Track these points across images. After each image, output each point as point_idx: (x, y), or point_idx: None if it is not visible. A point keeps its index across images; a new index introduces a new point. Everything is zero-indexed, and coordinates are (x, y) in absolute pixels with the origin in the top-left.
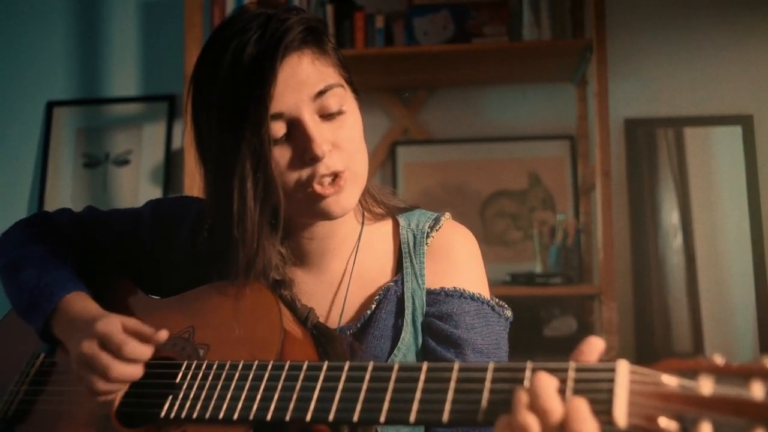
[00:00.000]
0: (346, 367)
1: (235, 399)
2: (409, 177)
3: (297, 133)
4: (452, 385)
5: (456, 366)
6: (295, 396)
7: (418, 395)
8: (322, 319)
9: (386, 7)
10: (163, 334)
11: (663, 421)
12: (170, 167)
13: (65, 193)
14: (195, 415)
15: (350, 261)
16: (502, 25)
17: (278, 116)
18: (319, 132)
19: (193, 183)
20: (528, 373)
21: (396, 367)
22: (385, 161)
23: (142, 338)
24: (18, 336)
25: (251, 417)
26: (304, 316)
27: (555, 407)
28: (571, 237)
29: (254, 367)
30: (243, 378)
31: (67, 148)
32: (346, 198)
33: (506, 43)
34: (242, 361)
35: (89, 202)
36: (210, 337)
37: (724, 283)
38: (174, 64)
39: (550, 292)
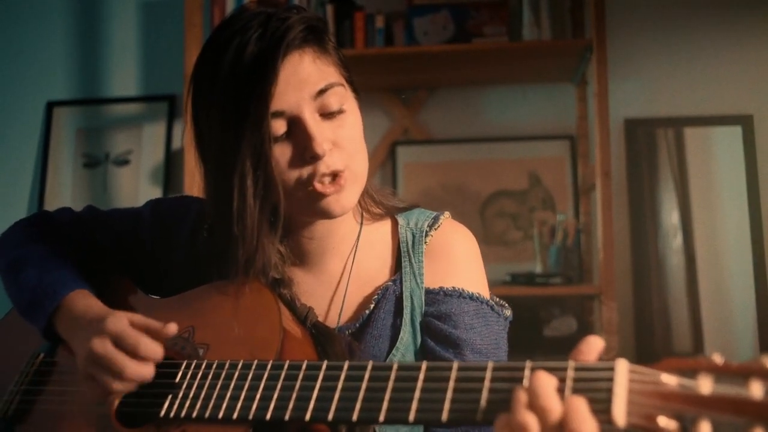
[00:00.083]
0: (346, 367)
1: (234, 398)
2: (409, 177)
3: (297, 132)
4: (451, 384)
5: (455, 365)
6: (294, 395)
7: (417, 395)
8: (320, 319)
9: (386, 7)
10: (172, 328)
11: (662, 421)
12: (170, 167)
13: (65, 193)
14: (194, 415)
15: (349, 260)
16: (502, 25)
17: (279, 114)
18: (319, 130)
19: (193, 183)
20: (527, 373)
21: (395, 366)
22: (385, 161)
23: (151, 333)
24: (18, 336)
25: (251, 416)
26: (303, 316)
27: (554, 406)
28: (571, 237)
29: (254, 367)
30: (242, 377)
31: (67, 148)
32: (346, 197)
33: (506, 43)
34: (242, 361)
35: (89, 202)
36: (210, 337)
37: (724, 283)
38: (174, 64)
39: (550, 292)
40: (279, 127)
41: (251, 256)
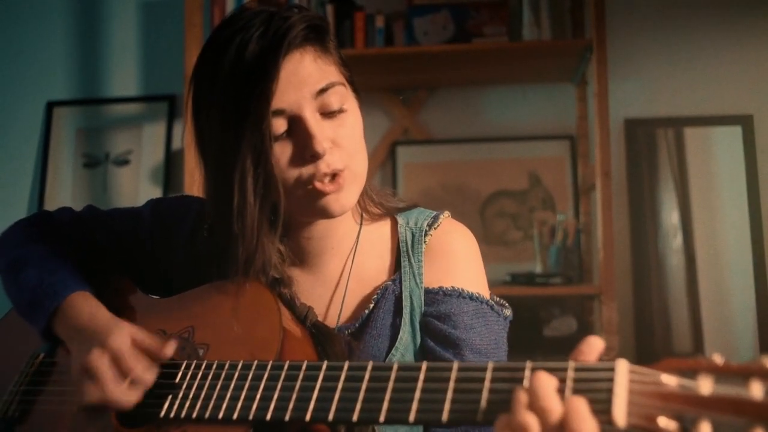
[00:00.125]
0: (346, 367)
1: (234, 399)
2: (409, 177)
3: (298, 130)
4: (451, 384)
5: (455, 366)
6: (294, 396)
7: (417, 395)
8: (320, 319)
9: (386, 7)
10: (170, 349)
11: (662, 421)
12: (170, 167)
13: (65, 193)
14: (195, 415)
15: (348, 261)
16: (502, 25)
17: (279, 113)
18: (320, 129)
19: (193, 183)
20: (527, 373)
21: (395, 366)
22: (385, 161)
23: (150, 354)
24: (18, 336)
25: (251, 417)
26: (303, 315)
27: (554, 407)
28: (571, 237)
29: (254, 367)
30: (242, 378)
31: (67, 148)
32: (345, 197)
33: (506, 43)
34: (242, 361)
35: (89, 202)
36: (210, 337)
37: (724, 283)
38: (174, 64)
39: (550, 292)
40: (279, 125)
41: (251, 254)
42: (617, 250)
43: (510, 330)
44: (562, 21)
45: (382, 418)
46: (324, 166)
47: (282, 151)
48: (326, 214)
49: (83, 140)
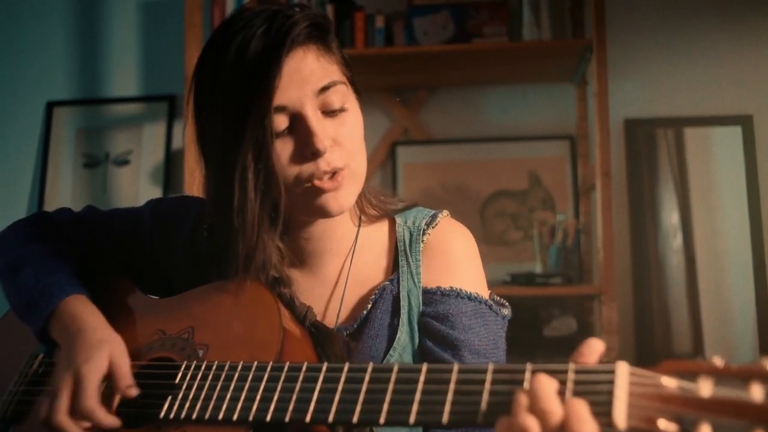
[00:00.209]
0: (346, 368)
1: (234, 400)
2: (409, 177)
3: (299, 128)
4: (452, 386)
5: (455, 367)
6: (294, 397)
7: (417, 396)
8: (319, 319)
9: (386, 7)
10: (132, 392)
11: (662, 423)
12: (170, 167)
13: (65, 193)
14: (194, 416)
15: (347, 261)
16: (502, 25)
17: (281, 109)
18: (321, 127)
19: (193, 183)
20: (527, 375)
21: (395, 368)
22: (385, 161)
23: (115, 387)
24: (17, 336)
25: (251, 418)
26: (302, 315)
27: (555, 409)
28: (571, 237)
29: (254, 368)
30: (242, 378)
31: (67, 148)
32: (344, 196)
33: (506, 43)
34: (242, 362)
35: (89, 202)
36: (209, 338)
37: (723, 283)
38: (174, 64)
39: (550, 292)
40: (281, 122)
41: (251, 251)
42: (617, 250)
43: (510, 330)
44: (562, 21)
45: (382, 420)
46: (324, 164)
47: (283, 148)
48: (324, 212)
49: (83, 140)
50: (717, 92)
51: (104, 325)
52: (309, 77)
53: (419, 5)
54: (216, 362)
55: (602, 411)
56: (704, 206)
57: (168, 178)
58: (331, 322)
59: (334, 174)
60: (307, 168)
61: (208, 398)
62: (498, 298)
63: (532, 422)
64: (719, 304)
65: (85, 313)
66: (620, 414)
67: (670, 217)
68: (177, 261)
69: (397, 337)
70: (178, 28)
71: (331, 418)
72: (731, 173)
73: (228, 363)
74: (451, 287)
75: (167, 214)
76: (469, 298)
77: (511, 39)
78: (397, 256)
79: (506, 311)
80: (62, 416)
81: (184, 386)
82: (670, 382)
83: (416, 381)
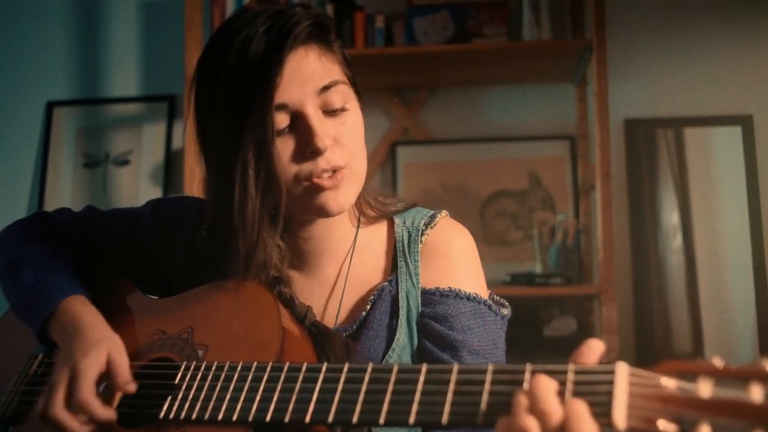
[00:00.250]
0: (346, 369)
1: (234, 400)
2: (409, 177)
3: (300, 126)
4: (451, 387)
5: (455, 368)
6: (294, 397)
7: (417, 397)
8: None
9: (386, 7)
10: (131, 387)
11: (662, 424)
12: (170, 167)
13: (65, 193)
14: (194, 416)
15: (345, 262)
16: (502, 25)
17: (282, 107)
18: (321, 126)
19: (193, 183)
20: (527, 375)
21: (395, 368)
22: (385, 161)
23: (113, 383)
24: (17, 336)
25: (250, 418)
26: (302, 315)
27: (554, 410)
28: (571, 237)
29: (253, 368)
30: (242, 379)
31: (67, 148)
32: (343, 195)
33: (506, 43)
34: (241, 362)
35: (89, 202)
36: (209, 338)
37: (723, 283)
38: (174, 64)
39: (550, 292)
40: (281, 120)
41: (252, 248)
42: (617, 250)
43: (510, 330)
44: (562, 21)
45: (381, 420)
46: (323, 162)
47: (283, 147)
48: (324, 211)
49: (83, 140)
50: (717, 92)
51: (103, 324)
52: (310, 76)
53: (419, 5)
54: (215, 362)
55: (602, 411)
56: (704, 206)
57: (168, 178)
58: (330, 322)
59: (334, 172)
60: (306, 166)
61: (207, 398)
62: (497, 298)
63: (531, 423)
64: (719, 304)
65: (84, 313)
66: (620, 414)
67: (670, 217)
68: (177, 261)
69: (395, 338)
70: (178, 28)
71: (330, 419)
72: (731, 173)
73: (228, 363)
74: (449, 288)
75: (167, 214)
76: (468, 298)
77: (511, 39)
78: (396, 257)
79: (506, 311)
80: (58, 409)
81: (184, 386)
82: (669, 383)
83: (416, 381)
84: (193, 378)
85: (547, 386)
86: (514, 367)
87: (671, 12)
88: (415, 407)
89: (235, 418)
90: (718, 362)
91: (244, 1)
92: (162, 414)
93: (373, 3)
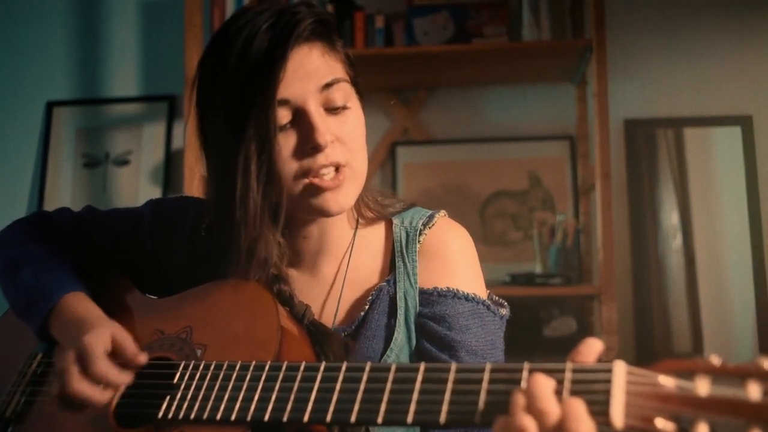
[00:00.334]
0: (344, 368)
1: (232, 399)
2: (408, 177)
3: (301, 122)
4: (449, 386)
5: (453, 367)
6: (292, 397)
7: (415, 396)
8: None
9: (386, 8)
10: (142, 359)
11: (660, 422)
12: (170, 167)
13: (65, 193)
14: (193, 416)
15: (344, 262)
16: (502, 26)
17: (284, 103)
18: (323, 123)
19: (193, 183)
20: (525, 374)
21: (393, 368)
22: (385, 161)
23: (123, 357)
24: (16, 336)
25: (249, 418)
26: (300, 313)
27: (552, 409)
28: (570, 237)
29: (252, 368)
30: (240, 378)
31: (67, 148)
32: (344, 196)
33: (506, 43)
34: (240, 362)
35: (89, 202)
36: (208, 337)
37: (723, 283)
38: (174, 64)
39: (549, 292)
40: (283, 116)
41: (253, 243)
42: (617, 250)
43: (510, 330)
44: (562, 21)
45: (380, 420)
46: (323, 158)
47: (285, 142)
48: (324, 211)
49: (83, 140)
50: (717, 92)
51: (104, 316)
52: (313, 73)
53: (419, 5)
54: (214, 362)
55: (599, 410)
56: (704, 206)
57: (168, 178)
58: (328, 322)
59: (337, 169)
60: (306, 163)
61: (206, 398)
62: (496, 297)
63: (529, 422)
64: (719, 304)
65: (84, 308)
66: (617, 413)
67: (670, 217)
68: (177, 261)
69: (393, 337)
70: (178, 28)
71: (329, 418)
72: (731, 173)
73: (226, 362)
74: (447, 288)
75: (167, 213)
76: (466, 298)
77: (511, 39)
78: (394, 257)
79: (504, 311)
80: (78, 383)
81: (183, 386)
82: (667, 381)
83: (414, 381)
84: (191, 377)
85: (544, 385)
86: (512, 366)
87: (671, 12)
88: (413, 406)
89: (233, 417)
90: (715, 360)
91: (244, 1)
92: (161, 413)
93: (373, 3)
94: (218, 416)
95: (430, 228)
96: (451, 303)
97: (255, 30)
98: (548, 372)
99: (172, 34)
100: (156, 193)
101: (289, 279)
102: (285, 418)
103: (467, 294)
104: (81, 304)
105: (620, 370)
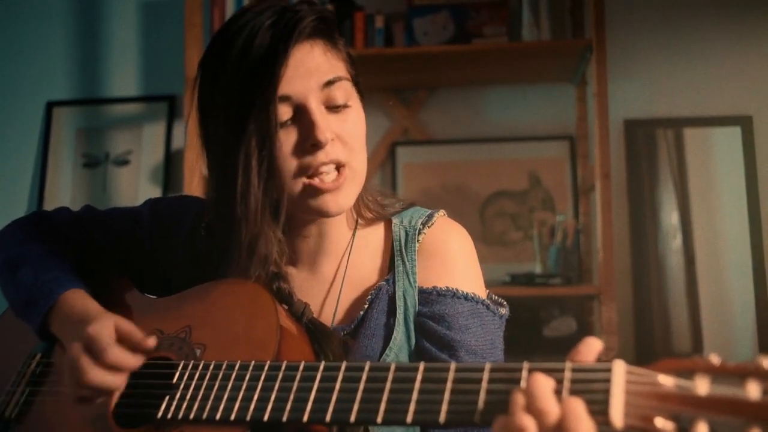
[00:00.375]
0: (343, 368)
1: (232, 399)
2: (408, 177)
3: (302, 119)
4: (449, 385)
5: (452, 366)
6: (292, 396)
7: (414, 396)
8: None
9: (386, 8)
10: (151, 342)
11: (659, 422)
12: (170, 167)
13: (65, 193)
14: (192, 416)
15: (343, 261)
16: (502, 26)
17: (285, 99)
18: (323, 120)
19: (193, 183)
20: (524, 374)
21: (393, 367)
22: (385, 161)
23: (131, 344)
24: (16, 335)
25: (248, 417)
26: (299, 312)
27: (551, 408)
28: (570, 237)
29: (251, 368)
30: (240, 378)
31: (67, 148)
32: (343, 197)
33: (506, 43)
34: (239, 362)
35: (89, 202)
36: (207, 337)
37: (723, 283)
38: (174, 64)
39: (549, 292)
40: (284, 112)
41: (254, 239)
42: (617, 250)
43: (509, 330)
44: (562, 21)
45: (379, 419)
46: (323, 155)
47: (285, 139)
48: (323, 212)
49: (83, 140)
50: (717, 93)
51: (104, 310)
52: (315, 70)
53: (419, 5)
54: (213, 362)
55: (599, 410)
56: (704, 206)
57: (168, 179)
58: (327, 321)
59: (338, 169)
60: (306, 160)
61: (205, 398)
62: (495, 297)
63: (529, 422)
64: (719, 304)
65: (85, 305)
66: (617, 412)
67: (670, 217)
68: (176, 260)
69: (393, 336)
70: (178, 28)
71: (328, 418)
72: (731, 174)
73: (225, 362)
74: (447, 287)
75: (166, 213)
76: (466, 298)
77: (511, 39)
78: (393, 256)
79: (504, 310)
80: (93, 372)
81: (182, 386)
82: (666, 381)
83: (413, 380)
84: (191, 377)
85: (544, 385)
86: (512, 366)
87: (671, 12)
88: (412, 406)
89: (232, 417)
90: (715, 359)
91: (244, 1)
92: (160, 414)
93: (373, 3)
94: (218, 416)
95: (429, 227)
96: (450, 302)
97: (257, 27)
98: (548, 371)
99: (172, 34)
100: (156, 193)
101: (289, 277)
102: (284, 418)
103: (466, 293)
104: (81, 301)
105: (620, 369)
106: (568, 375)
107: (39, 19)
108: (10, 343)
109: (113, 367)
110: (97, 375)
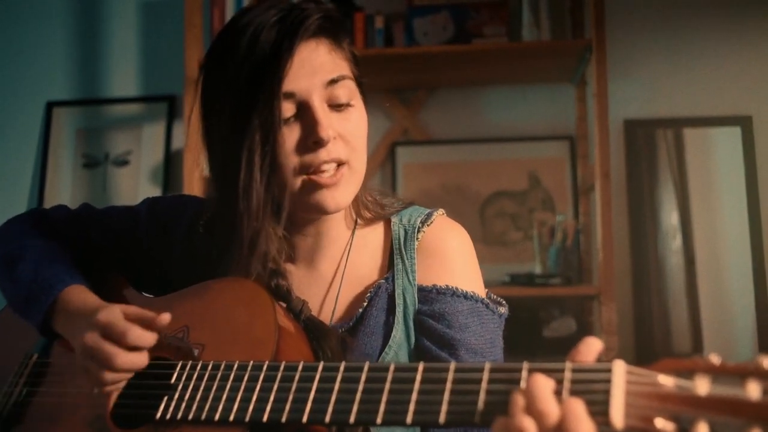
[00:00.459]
0: (342, 368)
1: (230, 400)
2: (408, 177)
3: (305, 117)
4: (448, 386)
5: (452, 366)
6: (291, 397)
7: (414, 396)
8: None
9: (386, 8)
10: (166, 317)
11: (660, 422)
12: (170, 167)
13: (65, 193)
14: (191, 416)
15: (342, 260)
16: (501, 26)
17: (289, 96)
18: (326, 118)
19: (193, 183)
20: (524, 374)
21: (392, 367)
22: (384, 162)
23: (145, 324)
24: (15, 334)
25: (247, 418)
26: (297, 309)
27: (551, 409)
28: (570, 238)
29: (250, 368)
30: (238, 379)
31: (67, 148)
32: (341, 194)
33: (506, 43)
34: (237, 362)
35: (89, 202)
36: (205, 337)
37: (723, 283)
38: (174, 64)
39: (549, 292)
40: (288, 109)
41: (255, 234)
42: (616, 250)
43: (509, 331)
44: (562, 21)
45: (379, 420)
46: (325, 153)
47: (288, 136)
48: (321, 209)
49: (83, 140)
50: (717, 93)
51: (106, 303)
52: (319, 68)
53: (419, 6)
54: (212, 362)
55: (599, 410)
56: (704, 206)
57: (167, 179)
58: (326, 319)
59: (338, 166)
60: (308, 158)
61: (204, 398)
62: (495, 296)
63: (528, 423)
64: (719, 304)
65: (87, 298)
66: (617, 413)
67: (670, 217)
68: (174, 259)
69: (392, 335)
70: (178, 28)
71: (328, 419)
72: (731, 174)
73: (224, 362)
74: (446, 285)
75: (164, 212)
76: (465, 296)
77: (511, 39)
78: (393, 255)
79: (503, 309)
80: (121, 356)
81: (180, 386)
82: (667, 381)
83: (413, 380)
84: (189, 378)
85: (544, 385)
86: (511, 366)
87: (671, 12)
88: (412, 407)
89: (231, 418)
90: (715, 360)
91: (244, 2)
92: (159, 414)
93: (373, 3)
94: (216, 417)
95: (428, 226)
96: (450, 301)
97: (263, 23)
98: (548, 372)
99: (172, 34)
100: (156, 193)
101: (287, 274)
102: (284, 419)
103: (466, 292)
104: (82, 295)
105: (620, 369)
106: (568, 375)
107: (39, 19)
108: (9, 343)
109: (135, 348)
110: (126, 357)
